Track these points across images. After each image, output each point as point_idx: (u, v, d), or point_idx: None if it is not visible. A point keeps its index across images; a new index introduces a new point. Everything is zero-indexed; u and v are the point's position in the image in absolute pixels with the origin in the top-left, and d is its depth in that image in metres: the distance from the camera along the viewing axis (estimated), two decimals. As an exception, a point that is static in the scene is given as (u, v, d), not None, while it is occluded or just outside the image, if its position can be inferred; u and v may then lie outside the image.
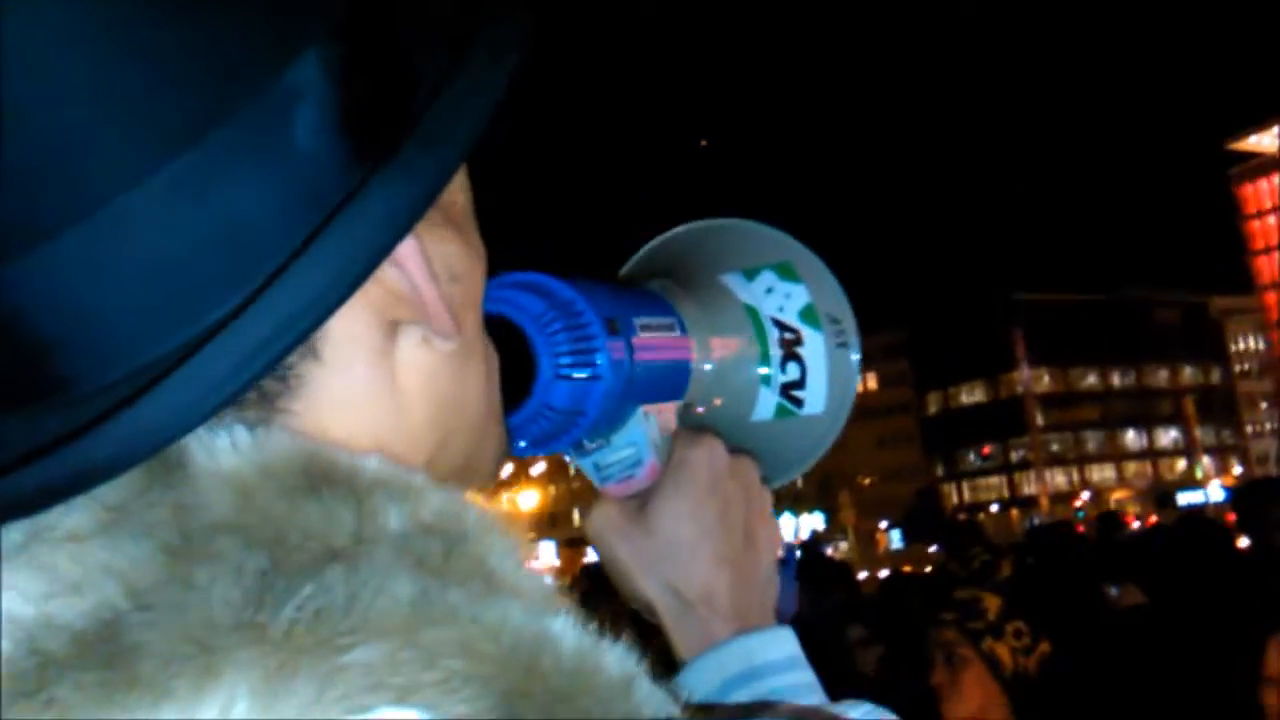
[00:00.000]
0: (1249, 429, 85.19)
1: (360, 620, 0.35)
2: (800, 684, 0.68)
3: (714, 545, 0.70)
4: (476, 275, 0.50)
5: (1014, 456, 78.65)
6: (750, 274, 0.79)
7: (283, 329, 0.39)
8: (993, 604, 2.72)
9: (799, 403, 0.78)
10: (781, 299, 0.78)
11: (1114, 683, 3.13)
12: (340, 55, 0.41)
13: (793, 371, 0.78)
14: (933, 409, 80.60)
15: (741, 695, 0.66)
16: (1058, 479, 76.86)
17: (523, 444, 0.67)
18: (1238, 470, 78.01)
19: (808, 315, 0.78)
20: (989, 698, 2.55)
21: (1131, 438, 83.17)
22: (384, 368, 0.45)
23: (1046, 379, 78.44)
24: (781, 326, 0.78)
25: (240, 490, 0.39)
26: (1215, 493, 50.15)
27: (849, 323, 0.78)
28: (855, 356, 0.78)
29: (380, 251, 0.41)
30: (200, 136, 0.39)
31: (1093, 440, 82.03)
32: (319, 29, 0.41)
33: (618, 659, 0.38)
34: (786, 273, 0.78)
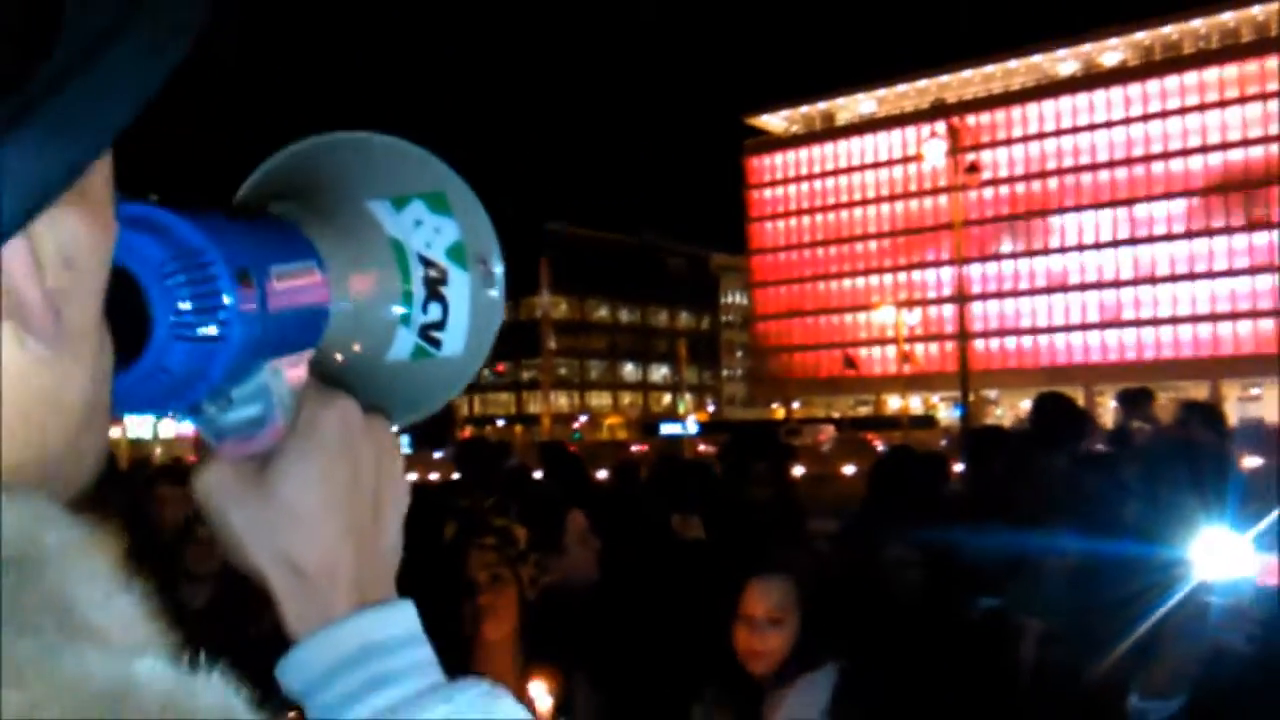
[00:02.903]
0: (725, 373, 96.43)
1: None
2: (417, 662, 0.64)
3: (341, 516, 0.65)
4: (100, 257, 0.44)
5: (525, 376, 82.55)
6: (399, 203, 0.73)
7: None
8: (521, 534, 2.95)
9: (437, 344, 0.74)
10: (430, 234, 0.73)
11: (661, 612, 3.48)
12: None
13: (434, 312, 0.74)
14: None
15: (357, 675, 0.62)
16: (561, 401, 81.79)
17: (129, 409, 0.59)
18: (711, 408, 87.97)
19: (455, 253, 0.73)
20: (515, 619, 2.79)
21: (630, 370, 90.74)
22: None
23: (564, 306, 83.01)
24: (427, 264, 0.73)
25: None
26: (691, 426, 56.06)
27: (496, 263, 0.74)
28: (499, 298, 0.75)
29: None
30: None
31: (596, 369, 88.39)
32: None
33: (214, 696, 0.35)
34: (438, 205, 0.73)
